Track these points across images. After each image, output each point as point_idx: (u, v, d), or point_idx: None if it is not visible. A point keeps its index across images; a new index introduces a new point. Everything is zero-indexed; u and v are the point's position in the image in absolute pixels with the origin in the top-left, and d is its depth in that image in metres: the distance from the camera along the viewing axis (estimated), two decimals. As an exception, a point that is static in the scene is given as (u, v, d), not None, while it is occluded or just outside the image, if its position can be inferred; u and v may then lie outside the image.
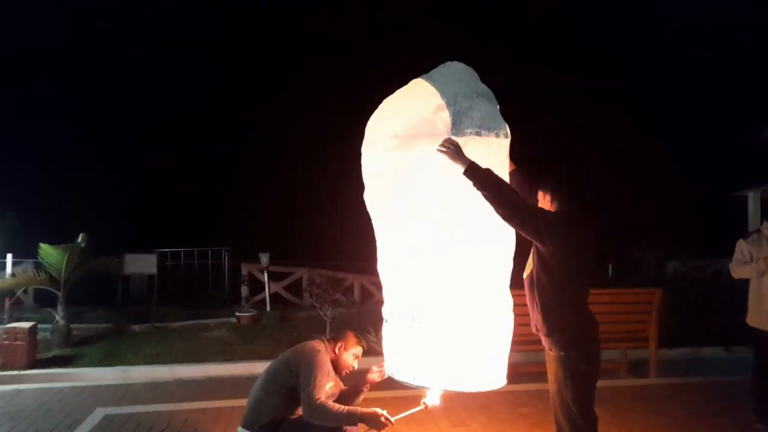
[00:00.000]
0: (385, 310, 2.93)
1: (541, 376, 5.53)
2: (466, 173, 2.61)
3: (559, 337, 2.83)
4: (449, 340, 2.67)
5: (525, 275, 2.97)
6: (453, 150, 2.63)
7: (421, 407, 3.03)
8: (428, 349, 2.70)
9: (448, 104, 2.70)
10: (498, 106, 2.85)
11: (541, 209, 2.85)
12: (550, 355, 2.92)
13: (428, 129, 2.72)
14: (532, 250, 2.93)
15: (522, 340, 5.55)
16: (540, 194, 2.93)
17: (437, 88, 2.75)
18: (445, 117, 2.72)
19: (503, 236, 2.79)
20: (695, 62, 19.30)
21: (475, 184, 2.62)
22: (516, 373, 5.81)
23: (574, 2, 20.51)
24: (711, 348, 7.34)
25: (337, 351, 3.29)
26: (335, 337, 3.40)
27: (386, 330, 2.94)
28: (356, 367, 3.39)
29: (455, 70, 2.86)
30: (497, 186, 2.65)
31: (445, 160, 2.65)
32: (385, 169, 2.84)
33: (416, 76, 2.91)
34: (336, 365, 3.30)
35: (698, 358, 7.07)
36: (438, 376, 2.74)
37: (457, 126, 2.68)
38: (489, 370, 2.77)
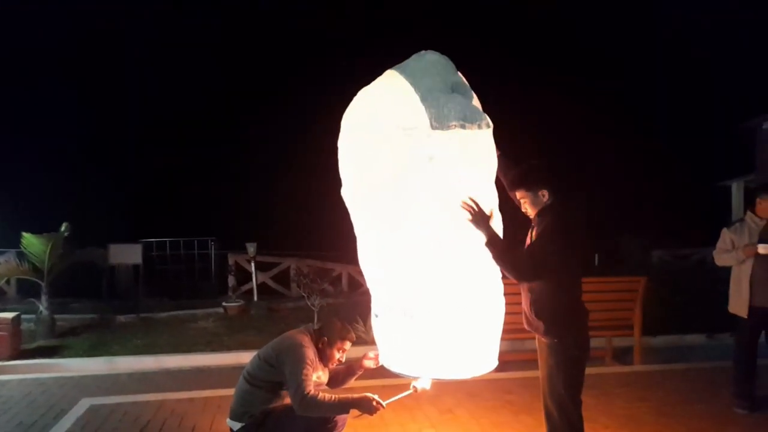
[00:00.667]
0: (375, 305, 2.91)
1: (527, 364, 5.63)
2: (488, 245, 2.69)
3: (551, 324, 2.86)
4: (441, 332, 2.68)
5: None
6: (477, 215, 2.67)
7: (411, 390, 3.04)
8: (421, 341, 2.71)
9: (423, 99, 2.64)
10: (474, 98, 2.81)
11: (541, 253, 2.79)
12: (542, 341, 2.96)
13: (410, 122, 2.66)
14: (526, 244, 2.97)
15: (508, 329, 5.63)
16: (526, 193, 2.93)
17: (411, 82, 2.70)
18: (424, 110, 2.67)
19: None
20: (679, 55, 19.46)
21: (492, 255, 2.70)
22: (502, 361, 5.86)
23: (573, 2, 20.49)
24: (694, 335, 7.46)
25: (321, 345, 3.22)
26: (321, 329, 3.31)
27: (377, 324, 2.93)
28: (343, 360, 3.36)
29: (428, 62, 2.80)
30: (512, 258, 2.73)
31: (439, 156, 2.63)
32: (371, 164, 2.78)
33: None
34: (322, 358, 3.24)
35: (682, 346, 7.18)
36: (431, 366, 2.75)
37: (439, 120, 2.61)
38: (482, 356, 2.79)
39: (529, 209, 2.98)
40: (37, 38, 19.69)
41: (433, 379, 2.98)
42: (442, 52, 2.87)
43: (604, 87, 18.35)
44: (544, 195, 2.90)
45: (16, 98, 18.11)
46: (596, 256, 10.91)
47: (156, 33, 20.61)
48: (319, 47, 20.33)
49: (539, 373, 3.03)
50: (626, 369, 5.88)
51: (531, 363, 5.59)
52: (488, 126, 2.71)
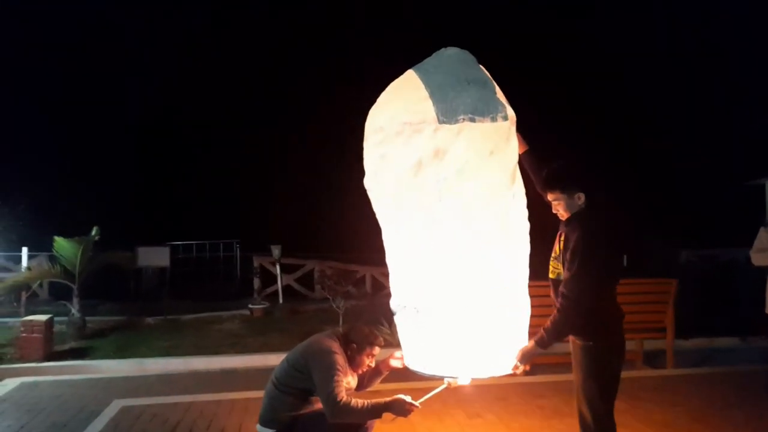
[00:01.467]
0: (393, 302, 2.88)
1: (558, 367, 5.54)
2: (545, 347, 2.69)
3: (586, 327, 2.76)
4: (454, 330, 2.62)
5: (551, 277, 2.90)
6: (525, 359, 2.70)
7: (444, 386, 2.92)
8: (434, 339, 2.66)
9: (432, 95, 2.62)
10: (496, 90, 2.73)
11: (581, 286, 2.65)
12: (576, 344, 2.84)
13: (418, 117, 2.64)
14: (554, 255, 2.87)
15: (537, 332, 5.57)
16: (561, 195, 2.79)
17: (423, 79, 2.69)
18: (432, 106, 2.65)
19: (515, 238, 2.73)
20: (709, 49, 19.03)
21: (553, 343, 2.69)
22: (532, 365, 5.84)
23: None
24: (727, 338, 7.28)
25: (349, 352, 3.17)
26: (347, 335, 3.25)
27: (396, 322, 2.90)
28: (372, 365, 3.31)
29: (446, 58, 2.79)
30: (564, 328, 2.69)
31: (446, 149, 2.59)
32: (387, 164, 2.77)
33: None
34: (351, 364, 3.19)
35: (714, 349, 7.00)
36: (449, 365, 2.69)
37: (447, 114, 2.58)
38: (503, 357, 2.72)
39: (561, 211, 2.85)
40: (45, 30, 19.94)
41: (449, 379, 2.92)
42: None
43: (629, 84, 18.03)
44: (580, 198, 2.76)
45: (27, 92, 18.50)
46: (624, 257, 10.71)
47: (183, 37, 20.86)
48: (349, 46, 20.26)
49: (573, 377, 2.95)
50: (658, 373, 5.75)
51: (562, 366, 5.54)
52: (505, 119, 2.63)
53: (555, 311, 2.71)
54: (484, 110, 2.59)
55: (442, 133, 2.57)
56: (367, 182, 2.90)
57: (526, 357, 2.73)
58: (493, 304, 2.65)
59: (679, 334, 6.19)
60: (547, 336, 2.66)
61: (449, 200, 2.59)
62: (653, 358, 6.18)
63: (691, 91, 18.66)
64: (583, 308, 2.63)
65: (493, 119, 2.59)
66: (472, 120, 2.56)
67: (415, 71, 2.77)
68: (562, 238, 2.83)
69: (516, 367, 2.76)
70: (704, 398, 4.81)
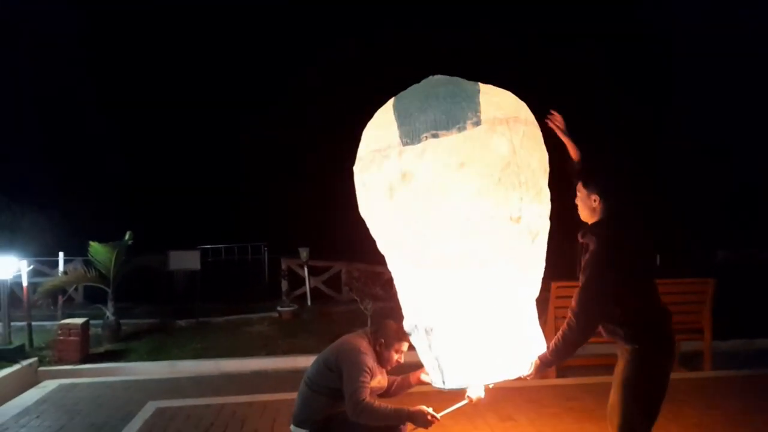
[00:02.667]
0: (405, 324, 2.85)
1: (590, 369, 5.45)
2: (550, 366, 2.70)
3: (631, 329, 2.65)
4: (462, 347, 2.60)
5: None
6: (539, 370, 2.68)
7: (466, 401, 2.94)
8: (448, 356, 2.63)
9: (397, 118, 2.57)
10: (466, 100, 2.53)
11: (590, 296, 2.60)
12: (623, 348, 2.73)
13: (384, 143, 2.60)
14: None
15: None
16: (583, 191, 2.75)
17: (393, 104, 2.66)
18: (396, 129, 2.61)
19: (519, 245, 2.61)
20: (744, 47, 18.46)
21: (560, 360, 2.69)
22: (564, 367, 5.75)
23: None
24: (766, 339, 7.05)
25: (378, 348, 3.19)
26: (376, 331, 3.25)
27: (413, 342, 2.88)
28: (402, 361, 3.32)
29: (426, 82, 2.71)
30: (569, 346, 2.63)
31: (414, 171, 2.52)
32: (368, 192, 2.76)
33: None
34: (380, 361, 3.20)
35: (753, 350, 6.80)
36: (466, 379, 2.68)
37: (410, 135, 2.50)
38: (515, 364, 2.66)
39: (580, 211, 2.79)
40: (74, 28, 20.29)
41: (482, 384, 2.90)
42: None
43: (649, 75, 17.62)
44: (596, 200, 2.69)
45: (55, 97, 18.96)
46: (657, 257, 10.47)
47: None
48: (371, 54, 20.26)
49: (613, 380, 2.85)
50: (696, 375, 5.60)
51: (593, 368, 5.46)
52: (476, 124, 2.47)
53: (559, 332, 2.64)
54: (448, 122, 2.46)
55: (406, 155, 2.51)
56: (361, 211, 2.89)
57: (539, 370, 2.70)
58: (495, 317, 2.58)
59: (717, 336, 6.02)
60: (551, 356, 2.63)
61: (426, 220, 2.52)
62: (690, 360, 6.02)
63: (734, 86, 18.13)
64: (589, 321, 2.56)
65: (461, 129, 2.45)
66: (435, 136, 2.46)
67: (393, 99, 2.74)
68: (584, 260, 2.73)
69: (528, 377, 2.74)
70: (742, 401, 4.67)
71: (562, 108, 2.77)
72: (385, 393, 3.38)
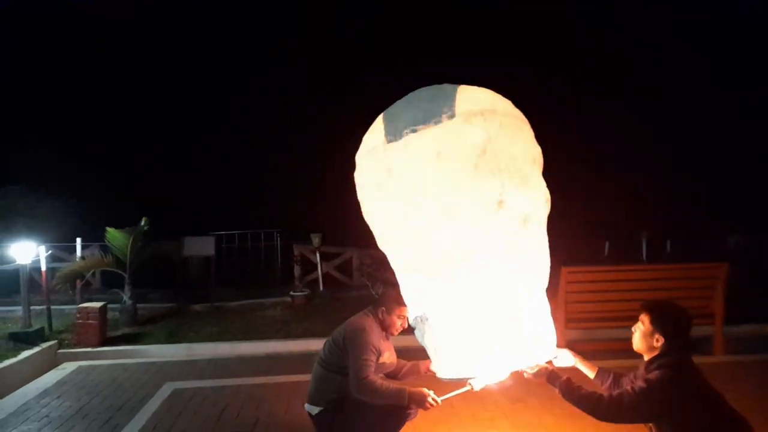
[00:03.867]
0: (410, 317, 2.94)
1: (599, 354, 5.47)
2: (562, 395, 2.75)
3: None
4: (458, 336, 2.64)
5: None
6: (536, 376, 2.77)
7: (468, 388, 2.99)
8: (445, 346, 2.69)
9: (384, 120, 2.77)
10: (443, 99, 2.65)
11: (627, 401, 2.57)
12: None
13: (371, 144, 2.81)
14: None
15: (578, 318, 5.51)
16: (648, 326, 2.69)
17: (385, 111, 2.83)
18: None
19: (510, 228, 2.62)
20: (745, 27, 18.05)
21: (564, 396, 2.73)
22: (571, 368, 5.73)
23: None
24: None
25: (381, 315, 3.33)
26: (377, 301, 3.43)
27: (416, 334, 2.93)
28: (405, 326, 3.37)
29: (412, 93, 2.85)
30: (580, 399, 2.67)
31: (397, 167, 2.65)
32: (365, 191, 2.92)
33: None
34: (384, 329, 3.33)
35: (764, 335, 6.76)
36: (466, 369, 2.71)
37: (392, 133, 2.68)
38: (517, 353, 2.68)
39: (635, 339, 2.75)
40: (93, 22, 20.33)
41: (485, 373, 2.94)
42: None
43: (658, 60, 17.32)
44: (658, 340, 2.64)
45: (73, 84, 19.06)
46: (606, 244, 10.44)
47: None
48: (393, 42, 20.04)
49: None
50: (708, 360, 5.60)
51: (603, 353, 5.47)
52: (451, 117, 2.59)
53: (600, 392, 2.69)
54: (425, 117, 2.61)
55: (389, 151, 2.68)
56: (363, 214, 3.01)
57: (538, 376, 2.79)
58: (489, 307, 2.60)
59: (728, 320, 6.01)
60: (566, 390, 2.70)
61: (411, 211, 2.63)
62: (701, 345, 6.01)
63: (747, 71, 17.79)
64: (614, 420, 2.63)
65: (437, 122, 2.59)
66: (414, 131, 2.61)
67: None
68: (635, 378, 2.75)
69: (527, 372, 2.81)
70: (754, 386, 4.69)
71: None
72: (395, 375, 3.45)
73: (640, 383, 2.58)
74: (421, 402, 3.02)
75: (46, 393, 5.17)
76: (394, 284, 3.14)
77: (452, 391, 3.06)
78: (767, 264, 9.22)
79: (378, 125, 2.82)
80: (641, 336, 2.70)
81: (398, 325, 3.34)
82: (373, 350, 3.14)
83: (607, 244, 10.50)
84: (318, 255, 10.53)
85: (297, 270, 11.07)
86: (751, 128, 16.60)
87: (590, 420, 4.03)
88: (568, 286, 5.34)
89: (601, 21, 18.36)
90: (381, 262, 8.65)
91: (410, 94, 2.85)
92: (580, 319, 5.57)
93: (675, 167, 15.13)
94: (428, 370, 3.29)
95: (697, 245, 10.35)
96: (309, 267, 11.08)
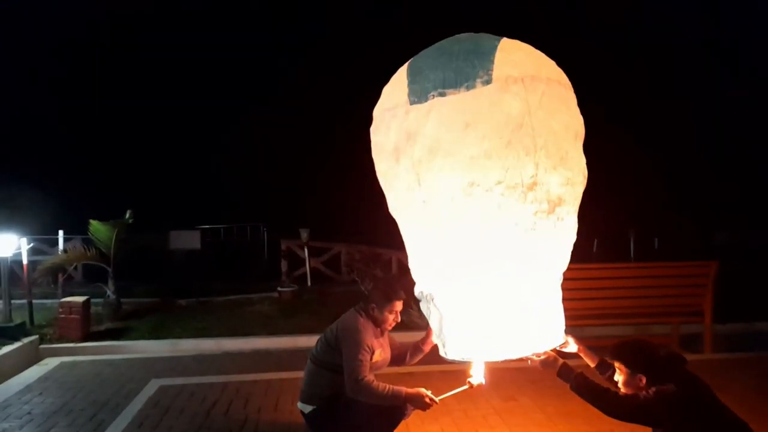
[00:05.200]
0: (416, 291, 2.79)
1: (591, 351, 5.48)
2: (565, 380, 2.68)
3: None
4: (466, 315, 2.51)
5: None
6: (544, 364, 2.69)
7: (466, 386, 2.94)
8: (448, 324, 2.56)
9: (408, 76, 2.49)
10: (479, 58, 2.37)
11: (641, 401, 2.53)
12: None
13: (392, 102, 2.54)
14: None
15: (569, 315, 5.50)
16: (625, 371, 2.64)
17: (409, 63, 2.57)
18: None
19: (531, 209, 2.42)
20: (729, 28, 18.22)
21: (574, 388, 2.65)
22: (573, 355, 5.73)
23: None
24: (765, 323, 7.09)
25: (372, 312, 3.22)
26: (367, 298, 3.31)
27: (422, 309, 2.82)
28: (399, 320, 3.31)
29: (443, 41, 2.59)
30: (592, 395, 2.59)
31: (419, 131, 2.43)
32: (380, 151, 2.68)
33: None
34: (376, 325, 3.24)
35: (752, 333, 6.83)
36: (463, 348, 2.57)
37: (417, 94, 2.41)
38: (525, 337, 2.56)
39: (620, 384, 2.70)
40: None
41: (484, 369, 2.88)
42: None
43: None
44: (642, 380, 2.60)
45: (58, 78, 18.76)
46: (594, 242, 10.52)
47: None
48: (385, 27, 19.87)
49: None
50: (695, 357, 5.62)
51: (595, 350, 5.48)
52: (487, 82, 2.32)
53: (610, 389, 2.65)
54: (456, 80, 2.33)
55: (413, 114, 2.43)
56: (377, 171, 2.80)
57: (545, 364, 2.72)
58: (500, 289, 2.46)
59: (716, 318, 6.06)
60: (580, 383, 2.62)
61: (429, 184, 2.40)
62: (689, 342, 6.06)
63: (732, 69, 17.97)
64: (616, 417, 2.58)
65: (469, 87, 2.31)
66: (442, 94, 2.35)
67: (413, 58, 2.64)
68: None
69: (531, 359, 2.72)
70: (743, 383, 4.70)
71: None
72: (402, 362, 3.39)
73: (652, 390, 2.55)
74: (419, 402, 2.97)
75: (27, 389, 5.04)
76: (382, 278, 3.07)
77: (451, 390, 3.01)
78: (753, 261, 9.34)
79: (401, 79, 2.52)
80: (624, 383, 2.68)
81: (391, 320, 3.26)
82: (367, 349, 3.07)
83: (595, 242, 10.57)
84: (306, 250, 10.45)
85: (284, 265, 10.98)
86: (737, 125, 16.80)
87: (581, 418, 4.05)
88: (564, 283, 5.32)
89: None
90: (371, 258, 8.62)
91: (442, 43, 2.53)
92: (568, 316, 5.51)
93: (661, 166, 15.27)
94: (432, 345, 3.23)
95: (684, 243, 10.45)
96: (297, 262, 11.00)
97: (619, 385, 2.69)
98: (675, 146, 16.17)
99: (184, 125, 19.45)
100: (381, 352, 3.24)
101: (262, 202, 16.38)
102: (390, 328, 3.33)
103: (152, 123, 19.53)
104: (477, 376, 2.93)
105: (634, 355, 2.66)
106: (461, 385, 2.97)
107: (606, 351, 2.82)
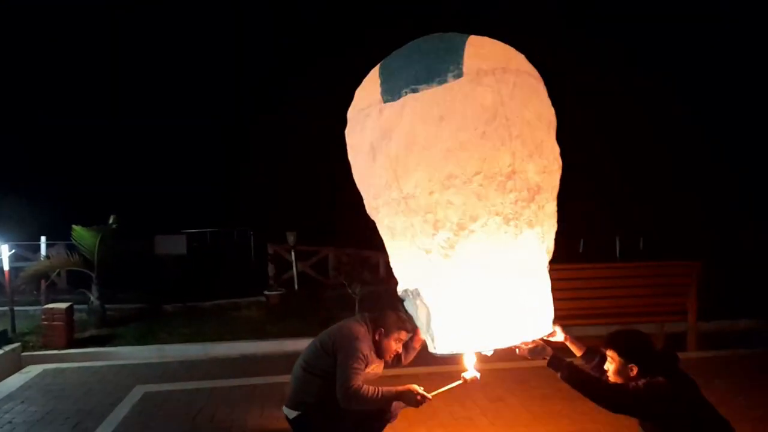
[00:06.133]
0: (399, 289, 2.78)
1: (572, 352, 5.52)
2: (557, 371, 2.68)
3: None
4: (452, 309, 2.49)
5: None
6: (532, 354, 2.68)
7: (460, 381, 2.92)
8: (434, 319, 2.54)
9: (381, 76, 2.51)
10: (449, 53, 2.39)
11: (629, 391, 2.58)
12: None
13: (366, 102, 2.55)
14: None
15: (557, 315, 5.53)
16: (618, 359, 2.68)
17: (382, 63, 2.58)
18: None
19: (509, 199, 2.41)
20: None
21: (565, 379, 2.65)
22: (559, 345, 5.77)
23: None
24: (749, 320, 7.19)
25: (377, 337, 3.18)
26: (376, 320, 3.24)
27: (407, 307, 2.80)
28: (401, 350, 3.30)
29: (413, 42, 2.61)
30: (583, 385, 2.62)
31: (394, 129, 2.42)
32: (355, 151, 2.69)
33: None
34: (378, 349, 3.19)
35: (736, 331, 6.92)
36: (452, 342, 2.54)
37: (390, 92, 2.41)
38: (513, 327, 2.55)
39: (610, 373, 2.74)
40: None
41: (476, 364, 2.86)
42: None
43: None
44: (633, 370, 2.64)
45: (41, 79, 18.54)
46: (581, 241, 10.61)
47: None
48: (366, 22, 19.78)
49: None
50: (681, 355, 5.66)
51: (579, 340, 5.52)
52: (457, 76, 2.33)
53: (600, 378, 2.71)
54: (428, 75, 2.34)
55: (387, 111, 2.43)
56: (353, 174, 2.79)
57: (534, 353, 2.72)
58: (485, 280, 2.44)
59: (700, 316, 6.12)
60: (571, 373, 2.63)
61: (408, 179, 2.40)
62: (674, 341, 6.11)
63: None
64: (606, 407, 2.61)
65: (441, 81, 2.32)
66: (415, 90, 2.36)
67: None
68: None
69: (520, 348, 2.71)
70: (727, 381, 4.77)
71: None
72: (398, 362, 3.38)
73: (642, 381, 2.58)
74: (410, 399, 2.96)
75: (9, 398, 4.95)
76: (394, 308, 3.05)
77: (443, 385, 2.99)
78: (739, 260, 9.45)
79: (373, 80, 2.55)
80: (615, 371, 2.70)
81: (393, 349, 3.22)
82: (363, 359, 3.04)
83: (582, 242, 10.65)
84: (293, 254, 10.40)
85: (271, 269, 10.91)
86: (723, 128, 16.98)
87: (568, 419, 4.06)
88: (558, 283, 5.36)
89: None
90: (358, 261, 8.60)
91: (411, 44, 2.56)
92: (555, 316, 5.60)
93: (648, 166, 15.41)
94: (422, 341, 3.20)
95: (669, 243, 10.56)
96: (284, 266, 10.94)
97: (609, 373, 2.72)
98: (663, 144, 16.31)
99: (169, 129, 19.31)
100: (376, 366, 3.22)
101: (249, 206, 16.29)
102: (389, 359, 3.28)
103: (137, 126, 19.38)
104: (471, 371, 2.90)
105: (631, 344, 2.69)
106: (454, 381, 2.95)
107: (601, 340, 2.85)
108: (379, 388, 2.97)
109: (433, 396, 3.00)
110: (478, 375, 2.91)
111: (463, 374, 2.92)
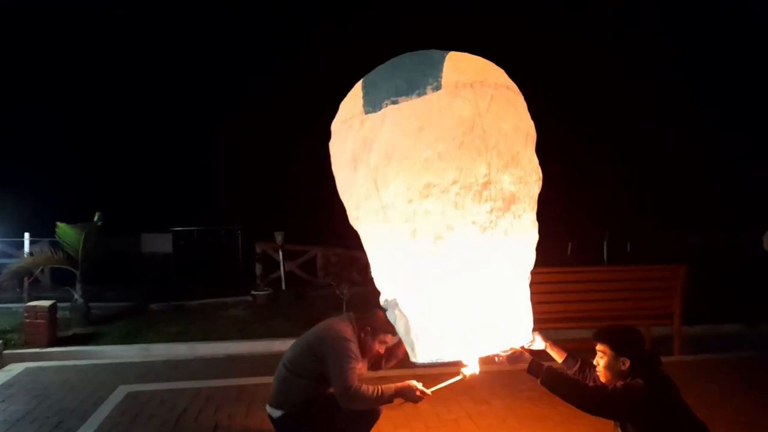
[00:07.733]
0: (381, 299, 2.79)
1: (557, 346, 5.55)
2: (536, 376, 2.69)
3: None
4: (431, 318, 2.52)
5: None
6: (510, 360, 2.69)
7: (459, 377, 2.89)
8: (414, 328, 2.56)
9: (363, 89, 2.58)
10: (430, 67, 2.46)
11: (610, 393, 2.62)
12: None
13: (348, 113, 2.62)
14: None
15: (544, 318, 5.55)
16: (610, 353, 2.70)
17: (365, 77, 2.64)
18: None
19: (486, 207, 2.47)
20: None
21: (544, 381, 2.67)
22: (539, 352, 5.79)
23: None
24: (733, 324, 7.26)
25: (363, 335, 3.16)
26: (364, 319, 3.23)
27: (389, 317, 2.80)
28: (382, 353, 3.29)
29: (396, 58, 2.67)
30: (561, 387, 2.64)
31: (375, 138, 2.48)
32: (337, 165, 2.74)
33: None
34: (361, 347, 3.17)
35: (720, 335, 6.98)
36: (432, 350, 2.56)
37: (372, 104, 2.49)
38: (493, 335, 2.56)
39: (600, 368, 2.75)
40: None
41: (477, 360, 2.85)
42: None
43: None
44: (625, 363, 2.66)
45: (30, 75, 18.33)
46: (569, 245, 10.71)
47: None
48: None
49: None
50: (665, 359, 5.71)
51: (559, 346, 5.54)
52: (436, 88, 2.40)
53: (579, 381, 2.73)
54: (408, 88, 2.43)
55: (368, 122, 2.50)
56: (338, 185, 2.82)
57: (513, 360, 2.73)
58: (463, 289, 2.47)
59: (684, 321, 6.17)
60: (550, 377, 2.65)
61: (386, 187, 2.45)
62: (659, 345, 6.16)
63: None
64: (585, 409, 2.62)
65: (420, 93, 2.40)
66: (395, 102, 2.44)
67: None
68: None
69: (499, 356, 2.73)
70: (717, 383, 4.81)
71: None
72: (378, 366, 3.36)
73: (620, 383, 2.62)
74: (410, 395, 2.94)
75: (-11, 396, 4.88)
76: (384, 309, 3.03)
77: (444, 381, 2.96)
78: (725, 263, 9.53)
79: (356, 93, 2.62)
80: (606, 365, 2.71)
81: (374, 350, 3.21)
82: (355, 357, 3.03)
83: (569, 245, 10.71)
84: (280, 253, 10.35)
85: (259, 268, 10.86)
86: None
87: (554, 421, 4.08)
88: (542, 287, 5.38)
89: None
90: (347, 261, 8.56)
91: (393, 60, 2.63)
92: (542, 319, 5.51)
93: (635, 169, 15.53)
94: (403, 350, 3.13)
95: (656, 246, 10.64)
96: (272, 265, 10.89)
97: (599, 369, 2.73)
98: (650, 149, 16.44)
99: (156, 126, 19.13)
100: (361, 366, 3.20)
101: (237, 204, 16.18)
102: (367, 358, 3.26)
103: (123, 123, 19.18)
104: (471, 367, 2.88)
105: (623, 338, 2.72)
106: (454, 377, 2.91)
107: (591, 334, 2.86)
108: (379, 386, 2.96)
109: (432, 392, 2.99)
110: (477, 371, 2.88)
111: (462, 370, 2.89)
